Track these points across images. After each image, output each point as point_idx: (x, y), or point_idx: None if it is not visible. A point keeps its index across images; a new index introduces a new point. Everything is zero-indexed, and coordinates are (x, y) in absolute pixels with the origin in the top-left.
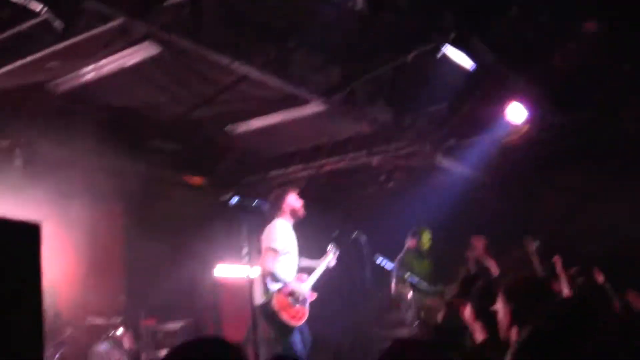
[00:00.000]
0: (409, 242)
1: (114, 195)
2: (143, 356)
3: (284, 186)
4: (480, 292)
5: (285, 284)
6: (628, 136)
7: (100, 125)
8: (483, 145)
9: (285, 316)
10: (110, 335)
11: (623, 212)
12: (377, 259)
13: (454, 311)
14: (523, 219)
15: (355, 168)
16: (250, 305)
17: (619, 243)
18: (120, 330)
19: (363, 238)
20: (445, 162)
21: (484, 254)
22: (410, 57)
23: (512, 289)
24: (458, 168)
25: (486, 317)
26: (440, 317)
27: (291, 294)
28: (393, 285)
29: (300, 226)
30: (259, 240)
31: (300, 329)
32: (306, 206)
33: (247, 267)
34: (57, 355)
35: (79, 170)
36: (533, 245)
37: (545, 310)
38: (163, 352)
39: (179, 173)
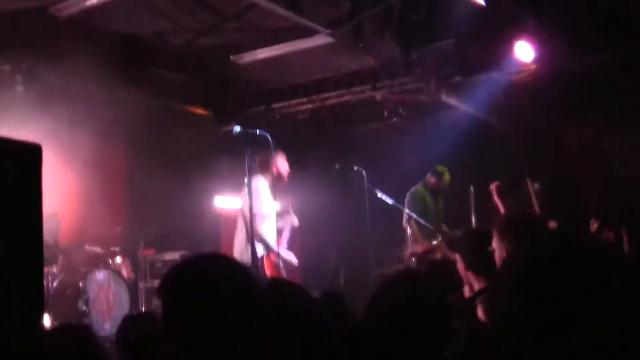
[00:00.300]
0: (429, 179)
1: (116, 125)
2: (140, 285)
3: (272, 151)
4: (467, 242)
5: (271, 249)
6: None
7: (104, 54)
8: (490, 84)
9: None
10: (108, 264)
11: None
12: (377, 193)
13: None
14: (527, 160)
15: (359, 102)
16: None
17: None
18: (118, 259)
19: (363, 173)
20: (451, 100)
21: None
22: None
23: (506, 227)
24: (463, 106)
25: (478, 265)
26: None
27: (278, 258)
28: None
29: (301, 161)
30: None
31: None
32: (309, 139)
33: (248, 199)
34: (55, 282)
35: (81, 98)
36: (533, 187)
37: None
38: None
39: (183, 103)
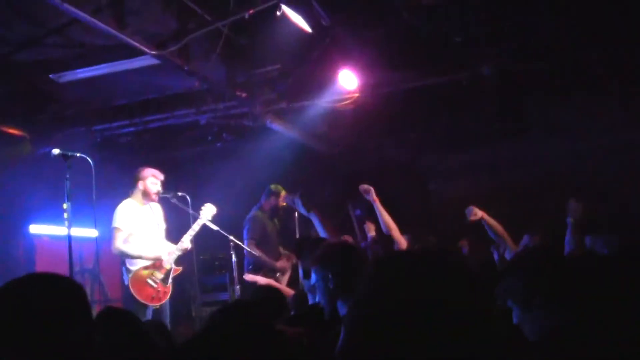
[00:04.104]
0: (268, 201)
1: None
2: None
3: (146, 167)
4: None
5: (142, 265)
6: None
7: None
8: (314, 110)
9: (141, 296)
10: None
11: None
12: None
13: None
14: (349, 184)
15: (183, 126)
16: (69, 268)
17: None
18: None
19: (188, 198)
20: (276, 125)
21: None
22: (248, 13)
23: (322, 257)
24: (288, 131)
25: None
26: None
27: (149, 275)
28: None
29: (123, 184)
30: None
31: (160, 308)
32: (132, 163)
33: (67, 225)
34: None
35: None
36: (354, 212)
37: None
38: None
39: None
